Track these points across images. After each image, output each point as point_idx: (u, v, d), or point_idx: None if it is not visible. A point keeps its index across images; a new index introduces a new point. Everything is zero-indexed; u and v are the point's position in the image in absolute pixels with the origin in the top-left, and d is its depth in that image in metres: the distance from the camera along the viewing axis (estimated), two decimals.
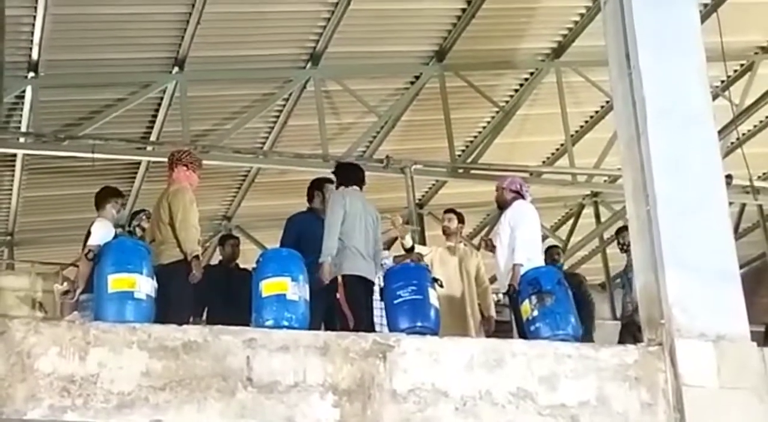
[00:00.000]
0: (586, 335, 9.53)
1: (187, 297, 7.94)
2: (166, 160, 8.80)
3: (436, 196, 15.61)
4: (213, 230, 15.48)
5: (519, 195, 9.00)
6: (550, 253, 11.47)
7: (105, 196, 8.54)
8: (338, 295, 8.02)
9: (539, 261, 8.52)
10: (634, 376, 6.64)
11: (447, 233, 9.85)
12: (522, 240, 8.55)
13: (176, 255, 7.96)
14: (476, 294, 9.48)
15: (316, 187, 9.19)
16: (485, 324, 9.36)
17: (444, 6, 11.95)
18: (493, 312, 9.53)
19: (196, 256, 8.03)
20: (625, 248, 11.16)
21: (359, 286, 8.16)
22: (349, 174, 8.84)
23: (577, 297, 10.13)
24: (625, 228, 11.25)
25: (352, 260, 8.21)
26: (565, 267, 11.86)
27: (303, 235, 8.53)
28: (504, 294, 8.77)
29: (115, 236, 8.31)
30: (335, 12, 11.46)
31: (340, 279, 8.10)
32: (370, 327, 7.86)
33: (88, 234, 8.19)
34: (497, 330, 9.63)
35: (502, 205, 9.08)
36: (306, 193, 9.26)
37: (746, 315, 6.95)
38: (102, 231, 8.16)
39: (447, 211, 10.11)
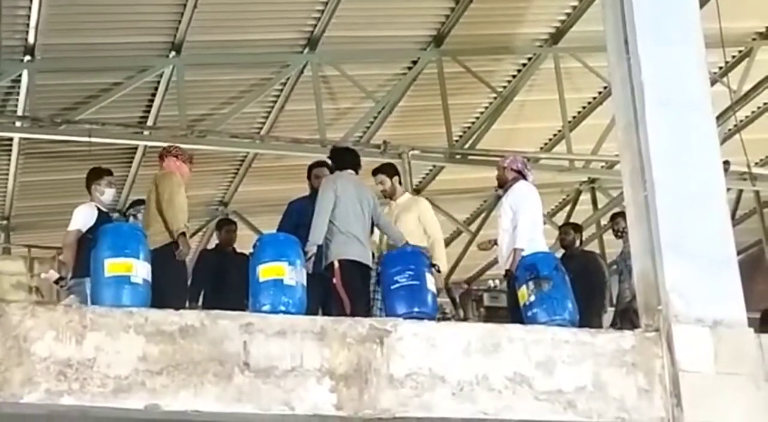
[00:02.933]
0: (593, 318, 9.53)
1: (179, 280, 7.92)
2: (163, 144, 8.83)
3: (433, 182, 15.60)
4: (209, 215, 15.47)
5: (521, 175, 8.84)
6: (560, 231, 11.44)
7: (89, 180, 8.63)
8: (334, 280, 8.01)
9: (541, 242, 8.43)
10: (631, 362, 6.64)
11: (387, 195, 9.18)
12: (523, 224, 8.38)
13: (163, 240, 7.94)
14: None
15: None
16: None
17: None
18: (442, 266, 8.79)
19: (183, 233, 8.03)
20: (619, 234, 11.16)
21: (355, 271, 8.16)
22: (345, 158, 8.82)
23: (590, 276, 10.20)
24: (619, 214, 11.26)
25: (348, 245, 8.20)
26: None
27: (302, 222, 8.51)
28: (504, 277, 8.69)
29: (109, 220, 8.36)
30: None
31: (336, 264, 8.09)
32: (367, 312, 7.86)
33: None
34: (495, 315, 9.60)
35: (503, 185, 8.93)
36: (307, 174, 9.27)
37: (743, 302, 6.96)
38: (80, 216, 8.30)
39: (374, 174, 9.27)
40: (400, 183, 9.33)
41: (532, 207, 8.58)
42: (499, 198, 9.08)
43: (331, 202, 8.29)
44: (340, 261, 8.11)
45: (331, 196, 8.31)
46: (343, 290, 7.96)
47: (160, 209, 8.08)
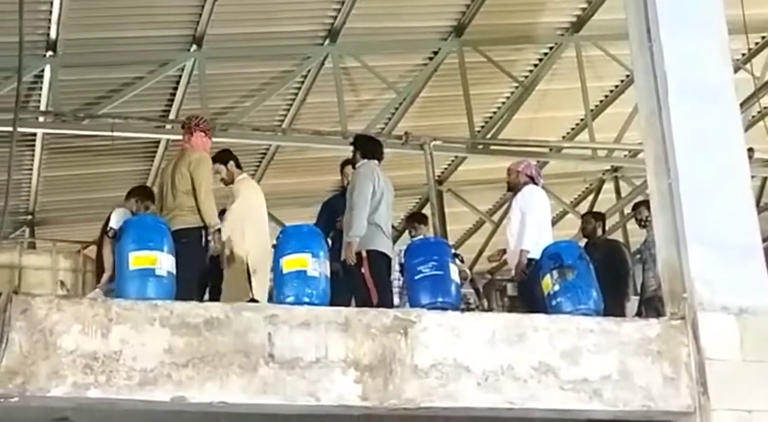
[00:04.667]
0: (616, 307, 9.51)
1: (196, 262, 7.91)
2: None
3: (455, 173, 15.58)
4: None
5: (532, 180, 9.02)
6: (582, 220, 11.43)
7: (132, 192, 9.23)
8: (363, 270, 8.04)
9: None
10: (656, 350, 6.63)
11: (226, 182, 9.01)
12: (531, 226, 8.59)
13: (187, 223, 7.95)
14: None
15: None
16: None
17: None
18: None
19: (218, 230, 8.07)
20: (643, 223, 11.09)
21: (382, 262, 8.21)
22: (375, 147, 8.87)
23: (614, 264, 10.19)
24: (642, 203, 11.20)
25: (376, 236, 8.27)
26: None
27: (335, 218, 8.61)
28: (513, 280, 8.76)
29: None
30: None
31: (364, 254, 8.14)
32: (392, 302, 7.91)
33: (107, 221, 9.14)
34: (517, 305, 9.57)
35: (513, 188, 9.11)
36: (340, 170, 9.42)
37: None
38: (118, 217, 8.98)
39: (213, 163, 8.90)
40: (238, 166, 9.06)
41: (539, 209, 8.77)
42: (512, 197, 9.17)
43: (370, 193, 8.32)
44: (368, 251, 8.15)
45: (371, 187, 8.34)
46: (371, 280, 8.00)
47: (196, 197, 8.06)
